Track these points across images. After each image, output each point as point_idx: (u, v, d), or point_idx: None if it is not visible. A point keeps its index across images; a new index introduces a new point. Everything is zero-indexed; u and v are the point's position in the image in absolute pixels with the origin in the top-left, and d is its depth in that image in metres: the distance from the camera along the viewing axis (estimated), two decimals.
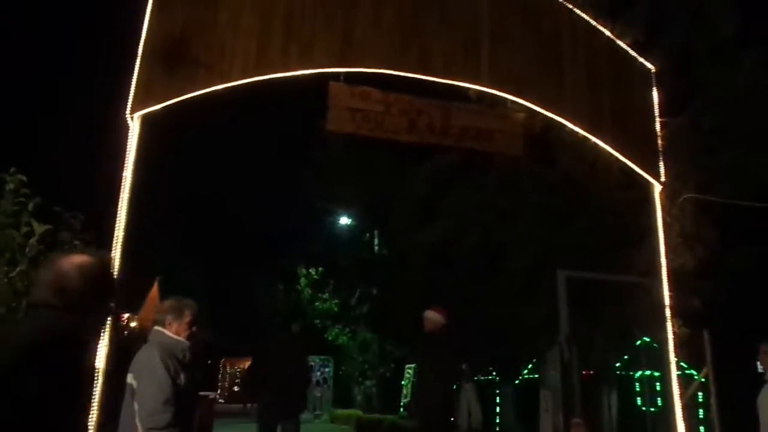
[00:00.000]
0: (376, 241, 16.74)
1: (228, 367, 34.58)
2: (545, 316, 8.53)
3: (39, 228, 4.25)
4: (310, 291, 21.61)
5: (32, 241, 4.27)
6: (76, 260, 2.23)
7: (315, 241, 20.00)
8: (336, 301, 20.11)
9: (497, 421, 11.43)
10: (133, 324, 18.65)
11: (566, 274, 6.93)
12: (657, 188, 6.78)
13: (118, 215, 5.76)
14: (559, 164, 7.98)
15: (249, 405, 20.49)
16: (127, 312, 17.17)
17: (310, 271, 21.46)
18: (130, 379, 3.33)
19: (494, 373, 12.06)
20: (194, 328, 3.63)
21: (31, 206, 4.49)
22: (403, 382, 17.82)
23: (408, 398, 16.89)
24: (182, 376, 3.38)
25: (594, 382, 7.72)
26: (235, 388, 32.34)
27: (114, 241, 5.64)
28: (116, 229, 5.70)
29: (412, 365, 15.78)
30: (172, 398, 3.23)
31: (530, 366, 10.73)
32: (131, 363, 3.41)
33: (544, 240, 8.24)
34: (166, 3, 5.94)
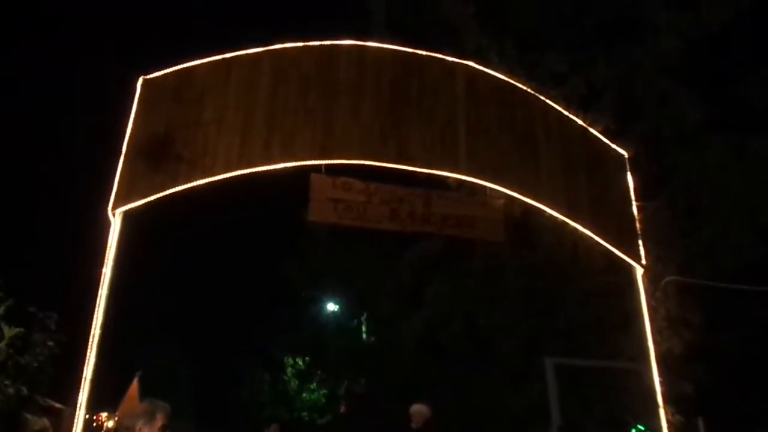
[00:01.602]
0: (363, 328, 16.52)
1: None
2: (536, 404, 8.32)
3: (9, 332, 4.19)
4: (297, 381, 21.01)
5: (1, 345, 4.19)
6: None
7: (301, 329, 19.66)
8: (324, 391, 19.52)
9: None
10: (110, 424, 17.92)
11: (554, 361, 6.83)
12: (639, 271, 6.84)
13: (95, 313, 5.71)
14: (541, 248, 8.07)
15: None
16: (105, 411, 16.53)
17: (297, 360, 20.96)
18: None
19: None
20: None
21: (2, 310, 4.44)
22: None
23: None
24: None
25: None
26: None
27: (90, 340, 5.55)
28: (93, 327, 5.63)
29: None
30: None
31: None
32: None
33: (531, 325, 8.18)
34: (151, 102, 6.15)
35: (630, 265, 6.90)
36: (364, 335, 16.60)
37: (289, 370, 21.30)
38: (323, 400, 19.71)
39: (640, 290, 6.81)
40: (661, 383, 6.29)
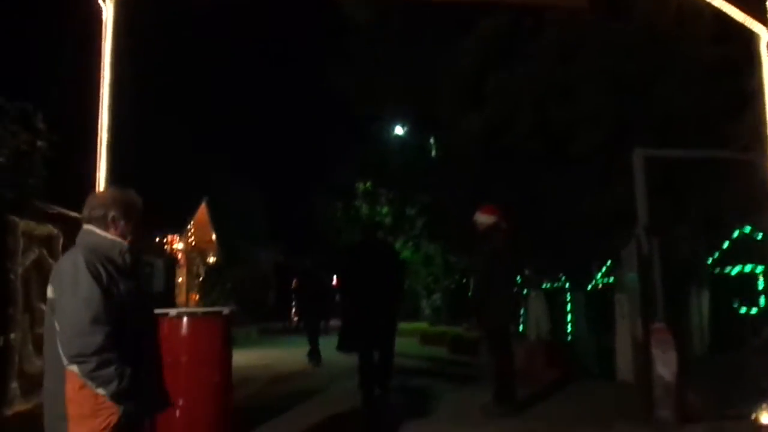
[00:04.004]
0: (432, 141, 15.63)
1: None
2: (620, 209, 7.39)
3: None
4: (367, 207, 21.06)
5: None
6: None
7: (365, 152, 19.17)
8: (389, 209, 19.58)
9: (568, 330, 10.55)
10: (179, 246, 18.78)
11: (645, 153, 5.74)
12: (764, 38, 5.41)
13: (99, 116, 5.09)
14: (635, 16, 6.54)
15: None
16: (174, 234, 17.21)
17: (367, 185, 20.81)
18: (50, 292, 2.60)
19: (563, 279, 11.07)
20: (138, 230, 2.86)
21: None
22: (470, 294, 17.18)
23: None
24: (122, 286, 2.62)
25: (680, 281, 6.62)
26: None
27: (98, 145, 4.99)
28: (99, 129, 5.05)
29: None
30: (105, 315, 2.48)
31: (604, 269, 9.64)
32: (52, 272, 2.67)
33: (617, 115, 6.92)
34: None
35: (751, 30, 5.44)
36: (433, 152, 15.80)
37: (360, 194, 21.28)
38: (392, 221, 19.79)
39: (763, 62, 5.42)
40: None
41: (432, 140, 15.27)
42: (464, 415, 6.03)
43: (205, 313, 5.35)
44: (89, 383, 2.51)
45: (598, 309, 9.52)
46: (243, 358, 11.75)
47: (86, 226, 2.77)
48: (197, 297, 17.45)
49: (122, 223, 2.79)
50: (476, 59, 8.16)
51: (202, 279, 18.29)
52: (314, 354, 10.41)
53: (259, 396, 7.49)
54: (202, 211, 19.24)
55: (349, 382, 8.00)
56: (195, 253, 18.87)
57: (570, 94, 7.21)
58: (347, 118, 18.53)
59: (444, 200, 12.07)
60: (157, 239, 14.73)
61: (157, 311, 4.90)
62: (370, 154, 18.85)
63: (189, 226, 18.73)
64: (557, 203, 8.18)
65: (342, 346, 7.25)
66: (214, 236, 20.57)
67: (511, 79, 7.62)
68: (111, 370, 2.52)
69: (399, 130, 17.64)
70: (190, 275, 18.13)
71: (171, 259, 14.64)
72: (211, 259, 19.80)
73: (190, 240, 19.11)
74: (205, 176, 19.88)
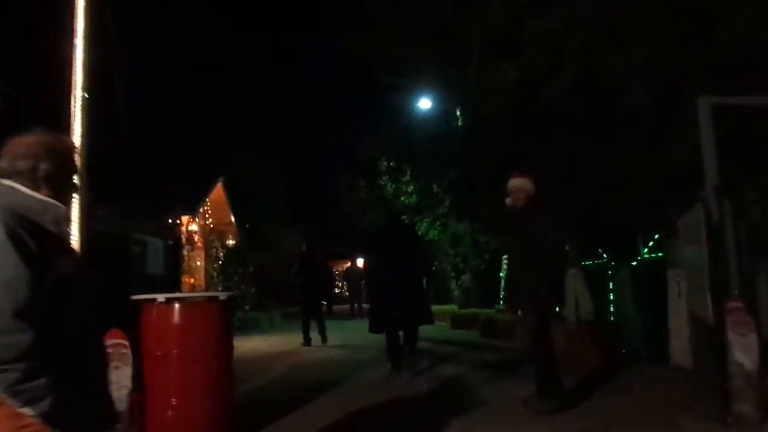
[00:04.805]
0: (458, 112, 14.74)
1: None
2: (673, 175, 6.54)
3: None
4: (392, 185, 20.35)
5: None
6: None
7: (387, 126, 18.38)
8: (414, 186, 18.86)
9: (612, 310, 9.76)
10: (194, 227, 18.22)
11: (712, 101, 4.89)
12: None
13: (73, 71, 4.46)
14: None
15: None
16: (187, 214, 16.66)
17: (391, 164, 20.11)
18: None
19: (605, 255, 10.24)
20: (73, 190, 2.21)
21: None
22: (501, 274, 16.45)
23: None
24: (57, 266, 1.96)
25: (748, 253, 5.76)
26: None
27: (72, 102, 4.38)
28: (73, 87, 4.43)
29: None
30: (32, 304, 1.82)
31: (652, 243, 8.79)
32: None
33: (675, 62, 6.02)
34: None
35: None
36: (459, 122, 14.93)
37: (384, 171, 20.55)
38: (417, 199, 19.10)
39: None
40: None
41: (458, 111, 14.45)
42: (507, 410, 5.27)
43: (199, 299, 4.68)
44: (10, 400, 1.86)
45: (646, 286, 8.75)
46: (265, 344, 11.37)
47: (5, 182, 2.12)
48: (192, 281, 16.65)
49: (57, 179, 2.14)
50: (509, 6, 7.20)
51: (222, 263, 17.84)
52: (305, 336, 10.88)
53: (276, 387, 6.98)
54: (218, 191, 18.65)
55: (372, 371, 7.55)
56: (213, 236, 18.34)
57: (621, 38, 6.27)
58: (370, 90, 17.88)
59: (472, 174, 11.24)
60: (170, 220, 14.14)
61: (144, 297, 4.36)
62: (394, 128, 18.09)
63: (204, 207, 18.19)
64: (601, 169, 7.30)
65: (373, 329, 7.57)
66: (233, 218, 20.00)
67: (551, 25, 6.64)
68: (42, 381, 1.86)
69: (423, 103, 16.85)
70: (209, 259, 17.64)
71: (174, 240, 14.04)
72: (231, 242, 19.29)
73: (207, 222, 18.59)
74: (226, 156, 19.31)
